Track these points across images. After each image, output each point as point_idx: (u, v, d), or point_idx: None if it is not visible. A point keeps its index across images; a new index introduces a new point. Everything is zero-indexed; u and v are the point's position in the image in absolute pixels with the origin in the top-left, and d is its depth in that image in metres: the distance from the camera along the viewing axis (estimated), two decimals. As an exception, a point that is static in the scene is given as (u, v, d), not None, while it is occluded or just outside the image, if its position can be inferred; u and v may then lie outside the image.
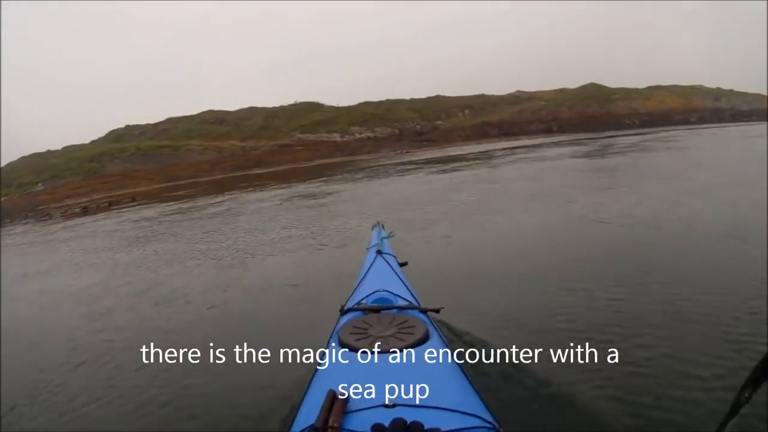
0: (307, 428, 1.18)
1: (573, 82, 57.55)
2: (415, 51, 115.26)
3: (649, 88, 53.69)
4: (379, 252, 3.00)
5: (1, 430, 2.70)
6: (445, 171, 16.08)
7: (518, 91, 53.52)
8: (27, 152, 46.98)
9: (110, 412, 2.74)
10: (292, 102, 48.31)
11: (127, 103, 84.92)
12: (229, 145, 38.58)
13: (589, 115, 46.64)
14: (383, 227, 3.88)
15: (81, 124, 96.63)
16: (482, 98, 51.65)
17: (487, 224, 6.72)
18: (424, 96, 51.55)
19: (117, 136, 50.48)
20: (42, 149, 47.00)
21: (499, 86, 75.75)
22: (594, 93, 51.08)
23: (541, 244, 5.30)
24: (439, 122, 46.02)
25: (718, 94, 54.94)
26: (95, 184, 33.98)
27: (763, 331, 2.65)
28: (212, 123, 46.74)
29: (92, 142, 50.43)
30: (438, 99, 51.23)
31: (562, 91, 52.98)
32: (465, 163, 18.50)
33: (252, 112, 48.44)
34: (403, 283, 2.47)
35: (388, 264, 2.80)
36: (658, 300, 3.32)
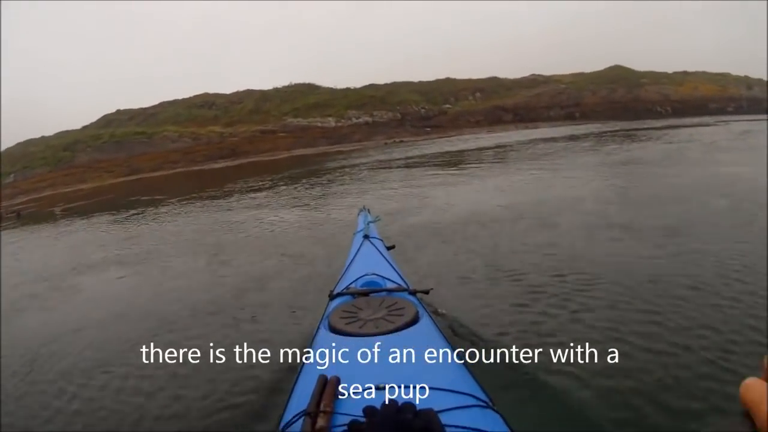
0: (299, 413, 1.09)
1: (593, 66, 49.44)
2: (426, 42, 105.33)
3: (677, 73, 45.59)
4: (366, 236, 2.72)
5: (1, 430, 2.40)
6: (437, 185, 9.54)
7: (534, 75, 45.94)
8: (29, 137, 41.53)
9: (106, 413, 2.35)
10: (287, 84, 41.35)
11: (130, 88, 78.04)
12: (207, 132, 32.24)
13: (616, 101, 39.16)
14: (369, 212, 3.52)
15: (86, 109, 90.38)
16: (495, 81, 44.13)
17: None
18: (432, 78, 44.23)
19: (107, 120, 44.60)
20: (44, 134, 41.54)
21: (513, 70, 67.26)
22: (620, 76, 43.26)
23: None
24: (447, 106, 38.80)
25: (749, 82, 46.66)
26: (57, 177, 28.23)
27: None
28: (201, 107, 40.36)
29: (84, 127, 44.75)
30: (447, 81, 43.77)
31: (582, 74, 45.20)
32: (473, 168, 11.89)
33: (246, 95, 41.84)
34: (392, 266, 2.30)
35: (376, 248, 2.56)
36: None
